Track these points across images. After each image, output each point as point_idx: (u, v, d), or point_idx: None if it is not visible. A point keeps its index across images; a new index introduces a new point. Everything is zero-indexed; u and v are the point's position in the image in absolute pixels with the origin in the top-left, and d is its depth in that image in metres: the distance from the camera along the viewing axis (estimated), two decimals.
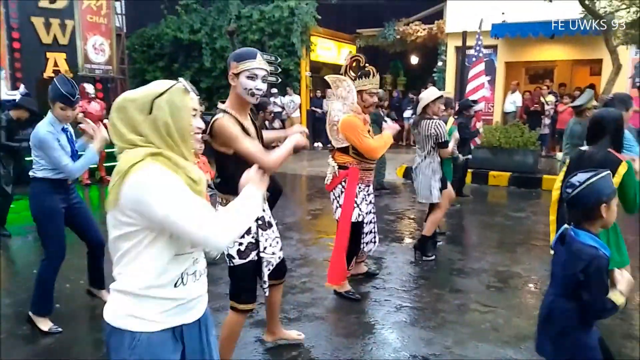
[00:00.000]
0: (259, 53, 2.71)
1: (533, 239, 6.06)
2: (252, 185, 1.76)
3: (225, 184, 2.73)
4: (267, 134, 3.12)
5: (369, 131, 4.01)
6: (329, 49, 16.11)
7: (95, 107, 9.54)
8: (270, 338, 3.41)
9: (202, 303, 1.75)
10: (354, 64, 4.11)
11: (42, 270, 3.63)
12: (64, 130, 3.60)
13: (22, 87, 10.88)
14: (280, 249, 3.03)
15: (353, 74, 4.03)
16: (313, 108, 14.97)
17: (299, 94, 14.59)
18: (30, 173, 3.59)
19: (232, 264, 2.82)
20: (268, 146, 2.91)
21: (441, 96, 5.11)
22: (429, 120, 4.96)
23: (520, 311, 4.02)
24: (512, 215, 7.33)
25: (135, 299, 1.59)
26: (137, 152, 1.56)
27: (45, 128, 3.47)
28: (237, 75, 2.65)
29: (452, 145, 5.26)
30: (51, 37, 12.46)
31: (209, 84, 14.96)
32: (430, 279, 4.77)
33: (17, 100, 6.84)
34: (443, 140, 4.95)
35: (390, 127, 4.15)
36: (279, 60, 13.98)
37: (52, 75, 12.47)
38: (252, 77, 2.63)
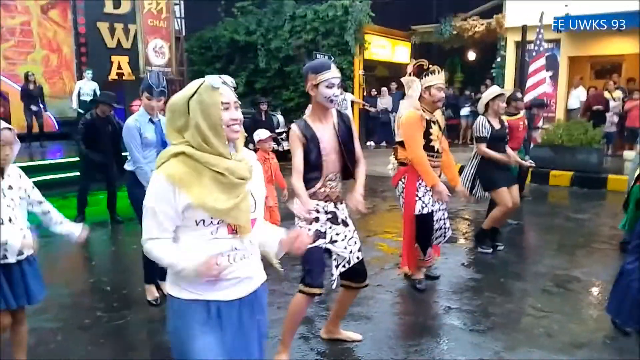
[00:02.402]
0: (332, 64, 2.95)
1: (595, 241, 5.75)
2: (188, 263, 1.75)
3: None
4: (356, 179, 3.19)
5: (430, 128, 4.08)
6: (383, 47, 15.94)
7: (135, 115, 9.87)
8: (326, 335, 3.48)
9: (243, 286, 1.85)
10: (417, 70, 4.31)
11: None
12: (152, 121, 3.83)
13: (87, 74, 11.33)
14: (359, 250, 3.16)
15: (417, 78, 4.20)
16: (366, 107, 14.86)
17: (352, 93, 14.54)
18: (125, 166, 3.99)
19: None
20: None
21: (502, 94, 5.06)
22: (479, 117, 5.06)
23: (577, 317, 3.81)
24: (574, 216, 6.99)
25: (176, 271, 1.80)
26: (166, 152, 1.78)
27: (132, 118, 3.85)
28: (316, 85, 2.87)
29: (494, 156, 5.08)
30: (115, 41, 13.02)
31: (264, 84, 15.16)
32: (483, 281, 4.61)
33: (97, 97, 7.21)
34: (480, 135, 5.01)
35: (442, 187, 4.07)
36: (333, 59, 14.02)
37: (116, 77, 13.06)
38: (330, 86, 2.86)
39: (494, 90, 5.15)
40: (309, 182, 2.98)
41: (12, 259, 2.69)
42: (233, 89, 1.82)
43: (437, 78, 4.11)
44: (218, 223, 1.77)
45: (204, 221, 1.76)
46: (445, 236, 4.45)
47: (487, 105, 5.04)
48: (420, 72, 4.22)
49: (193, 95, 1.74)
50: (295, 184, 2.92)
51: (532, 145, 8.31)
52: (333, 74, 2.88)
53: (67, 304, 4.15)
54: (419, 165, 4.03)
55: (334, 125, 3.02)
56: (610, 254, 5.30)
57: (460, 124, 15.13)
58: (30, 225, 2.84)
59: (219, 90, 1.74)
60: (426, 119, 4.07)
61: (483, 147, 5.02)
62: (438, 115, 4.26)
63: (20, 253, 2.72)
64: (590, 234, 6.08)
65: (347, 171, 3.10)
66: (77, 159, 6.99)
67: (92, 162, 6.41)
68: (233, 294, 1.82)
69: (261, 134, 5.16)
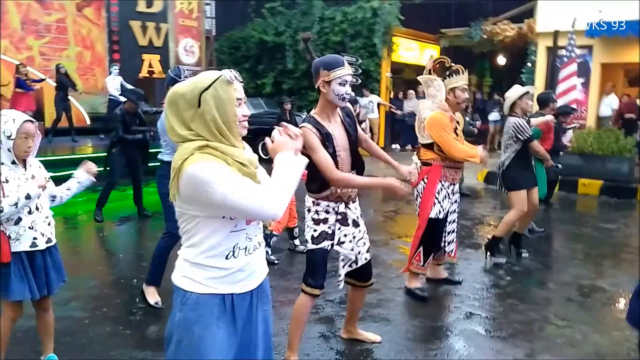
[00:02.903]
0: (345, 60, 2.87)
1: (623, 252, 5.64)
2: (283, 151, 1.80)
3: (312, 183, 2.96)
4: (381, 155, 3.32)
5: (455, 129, 4.05)
6: (412, 50, 15.88)
7: None
8: (346, 335, 3.49)
9: (256, 277, 1.85)
10: (438, 66, 4.17)
11: (160, 243, 3.96)
12: None
13: (114, 70, 11.55)
14: (368, 251, 3.15)
15: (437, 76, 4.08)
16: (392, 109, 14.81)
17: (379, 95, 14.51)
18: (159, 156, 4.06)
19: (307, 248, 3.06)
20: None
21: (527, 92, 4.92)
22: (511, 118, 4.87)
23: (601, 328, 3.76)
24: (602, 226, 6.85)
25: (190, 265, 1.78)
26: (186, 148, 1.69)
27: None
28: (328, 82, 2.79)
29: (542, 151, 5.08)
30: (147, 39, 13.25)
31: (291, 85, 15.25)
32: (506, 288, 4.57)
33: (125, 92, 7.35)
34: (526, 136, 4.81)
35: (482, 152, 4.11)
36: (360, 61, 14.01)
37: (147, 75, 13.30)
38: (343, 84, 2.79)
39: (519, 89, 4.97)
40: (325, 187, 2.91)
41: (41, 246, 2.77)
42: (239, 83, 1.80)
43: (462, 79, 4.01)
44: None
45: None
46: (454, 243, 4.35)
47: (512, 105, 4.88)
48: (442, 71, 4.09)
49: (207, 88, 1.70)
50: (345, 177, 2.83)
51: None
52: (347, 70, 2.80)
53: (95, 294, 4.26)
54: (463, 156, 3.97)
55: (342, 122, 2.96)
56: (638, 265, 5.19)
57: (489, 129, 14.95)
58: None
59: (234, 85, 1.74)
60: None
61: (538, 145, 4.99)
62: (458, 116, 4.20)
63: (49, 240, 2.81)
64: (618, 245, 5.96)
65: (356, 170, 3.02)
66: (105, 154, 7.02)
67: (119, 157, 6.52)
68: (247, 286, 1.82)
69: (275, 133, 5.11)
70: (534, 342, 3.51)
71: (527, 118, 4.99)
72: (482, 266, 5.07)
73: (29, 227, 2.74)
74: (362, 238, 3.10)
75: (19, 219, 2.70)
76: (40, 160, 2.92)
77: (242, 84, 1.81)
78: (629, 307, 2.32)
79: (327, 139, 2.83)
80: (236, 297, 1.79)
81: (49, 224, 2.83)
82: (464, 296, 4.31)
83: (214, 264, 1.75)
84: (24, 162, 2.76)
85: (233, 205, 1.65)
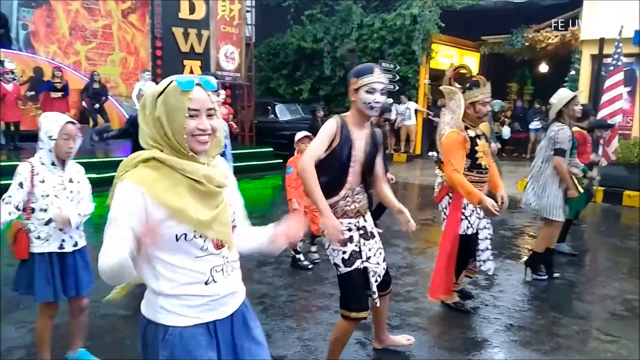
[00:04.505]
0: (377, 67, 2.79)
1: None
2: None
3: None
4: (385, 198, 3.07)
5: (473, 145, 3.75)
6: (451, 57, 15.72)
7: (223, 111, 10.20)
8: (379, 345, 3.44)
9: (235, 299, 1.74)
10: (457, 75, 3.96)
11: None
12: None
13: (145, 75, 11.75)
14: (384, 260, 3.05)
15: (458, 85, 3.88)
16: (430, 116, 14.68)
17: (416, 102, 14.41)
18: None
19: (339, 272, 2.88)
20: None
21: (575, 97, 4.66)
22: (555, 124, 4.61)
23: None
24: None
25: (166, 297, 1.61)
26: (133, 159, 1.58)
27: None
28: (356, 90, 2.75)
29: (568, 178, 4.64)
30: (189, 45, 13.52)
31: (328, 91, 15.31)
32: (547, 300, 4.46)
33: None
34: (559, 147, 4.53)
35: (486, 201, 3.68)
36: (398, 68, 13.99)
37: None
38: (371, 92, 2.71)
39: (566, 93, 4.71)
40: (333, 190, 2.79)
41: (68, 249, 2.83)
42: (210, 92, 1.59)
43: (482, 92, 3.71)
44: (201, 237, 1.59)
45: (185, 236, 1.56)
46: (492, 261, 4.03)
47: (560, 112, 4.61)
48: (461, 80, 3.86)
49: (160, 94, 1.56)
50: (308, 176, 2.65)
51: (605, 163, 7.95)
52: (375, 78, 2.71)
53: (138, 294, 4.34)
54: (459, 187, 3.67)
55: (367, 136, 2.85)
56: None
57: (529, 137, 14.67)
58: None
59: (189, 94, 1.54)
60: (471, 137, 3.75)
61: (562, 161, 4.54)
62: (483, 126, 3.97)
63: (75, 244, 2.86)
64: None
65: (364, 186, 2.93)
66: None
67: None
68: (227, 310, 1.70)
69: (299, 133, 4.97)
70: (577, 356, 3.42)
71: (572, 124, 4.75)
72: (522, 278, 4.96)
73: (59, 229, 2.79)
74: (379, 248, 3.01)
75: (50, 220, 2.76)
76: (79, 163, 2.96)
77: (207, 91, 1.59)
78: None
79: (345, 142, 2.75)
80: (218, 323, 1.68)
81: (78, 228, 2.87)
82: (503, 308, 4.22)
83: (194, 292, 1.61)
84: (62, 164, 2.81)
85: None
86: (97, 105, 11.41)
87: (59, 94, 10.54)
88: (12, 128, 10.18)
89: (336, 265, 2.87)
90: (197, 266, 1.61)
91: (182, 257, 1.59)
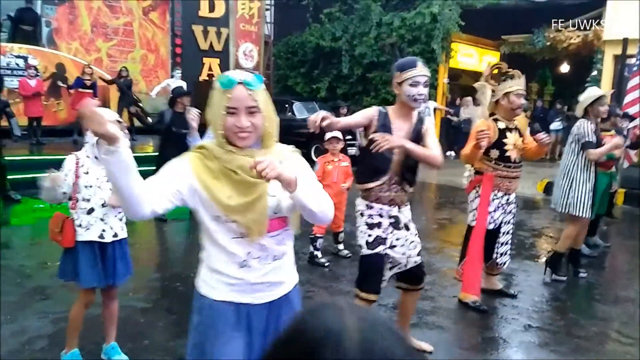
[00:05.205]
0: (419, 61, 2.89)
1: None
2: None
3: (361, 174, 3.00)
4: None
5: (503, 138, 3.85)
6: (471, 56, 15.61)
7: None
8: None
9: (277, 289, 1.79)
10: (495, 72, 4.02)
11: None
12: None
13: (177, 74, 11.86)
14: (419, 254, 3.10)
15: (494, 82, 3.94)
16: (449, 114, 14.59)
17: (435, 101, 14.33)
18: None
19: (361, 253, 3.02)
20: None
21: (602, 96, 4.62)
22: (581, 120, 4.59)
23: None
24: None
25: (206, 269, 1.80)
26: (195, 146, 1.80)
27: None
28: (400, 84, 2.84)
29: (605, 149, 4.59)
30: (208, 43, 13.64)
31: (346, 90, 15.29)
32: (567, 302, 4.42)
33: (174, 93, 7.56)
34: (585, 141, 4.48)
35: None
36: None
37: (207, 79, 13.67)
38: (415, 85, 2.80)
39: (594, 92, 4.67)
40: (373, 175, 2.91)
41: (108, 239, 2.90)
42: (255, 90, 1.65)
43: (517, 83, 3.86)
44: (234, 222, 1.69)
45: (219, 217, 1.70)
46: (508, 255, 4.18)
47: (586, 110, 4.59)
48: (499, 76, 3.96)
49: (214, 90, 1.72)
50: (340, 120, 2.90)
51: (627, 164, 7.84)
52: (419, 72, 2.81)
53: (157, 287, 4.42)
54: (468, 157, 3.79)
55: (411, 127, 2.93)
56: None
57: (550, 138, 14.48)
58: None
59: (228, 93, 1.64)
60: (500, 128, 3.86)
61: (594, 152, 4.48)
62: (519, 120, 4.02)
63: (115, 235, 2.93)
64: None
65: (410, 179, 2.98)
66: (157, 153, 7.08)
67: (168, 157, 6.60)
68: (263, 298, 1.76)
69: (328, 133, 5.00)
70: (596, 357, 3.38)
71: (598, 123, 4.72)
72: (541, 279, 4.91)
73: (100, 219, 2.87)
74: (413, 241, 3.06)
75: (92, 209, 2.85)
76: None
77: (250, 90, 1.65)
78: None
79: (383, 129, 2.82)
80: (252, 308, 1.75)
81: (121, 219, 2.95)
82: (522, 308, 4.19)
83: (228, 271, 1.73)
84: None
85: None
86: (133, 110, 11.47)
87: (89, 91, 10.68)
88: (35, 123, 10.35)
89: (360, 246, 3.02)
90: (233, 247, 1.72)
91: (222, 236, 1.72)
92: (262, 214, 1.70)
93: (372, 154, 2.74)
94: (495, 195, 3.97)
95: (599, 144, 4.62)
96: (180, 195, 1.66)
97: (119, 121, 2.81)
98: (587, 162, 4.58)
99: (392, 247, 2.97)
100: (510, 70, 3.96)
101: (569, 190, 4.63)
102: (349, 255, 5.27)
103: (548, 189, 9.33)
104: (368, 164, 2.90)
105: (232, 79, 1.64)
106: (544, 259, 5.59)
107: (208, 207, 1.69)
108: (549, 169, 12.00)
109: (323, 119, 2.61)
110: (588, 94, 4.67)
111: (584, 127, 4.51)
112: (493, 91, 3.92)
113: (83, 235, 2.86)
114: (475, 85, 4.08)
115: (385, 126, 2.85)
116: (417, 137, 2.94)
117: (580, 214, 4.61)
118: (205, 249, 1.79)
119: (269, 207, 1.72)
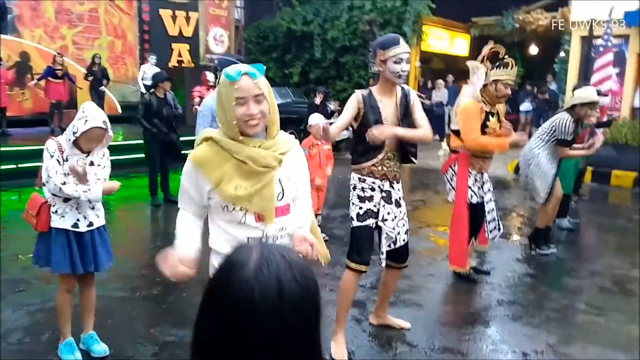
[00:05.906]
0: (401, 38, 2.94)
1: None
2: None
3: (355, 153, 3.08)
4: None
5: (486, 120, 3.96)
6: (441, 39, 15.71)
7: (212, 94, 10.11)
8: (375, 321, 3.51)
9: None
10: (492, 56, 4.09)
11: None
12: None
13: (151, 59, 11.63)
14: (407, 233, 3.18)
15: (490, 64, 4.01)
16: (421, 98, 14.62)
17: (407, 84, 14.39)
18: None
19: (352, 225, 3.10)
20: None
21: (597, 102, 4.80)
22: (564, 114, 4.76)
23: (636, 317, 3.71)
24: (636, 218, 6.72)
25: (215, 253, 1.90)
26: (200, 136, 1.88)
27: (211, 97, 4.06)
28: (384, 61, 2.88)
29: (577, 153, 5.03)
30: (177, 29, 13.37)
31: (319, 74, 15.21)
32: (537, 277, 4.55)
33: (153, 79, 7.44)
34: (563, 138, 4.71)
35: (520, 136, 4.16)
36: None
37: (176, 65, 13.46)
38: (398, 62, 2.86)
39: (590, 95, 4.76)
40: (367, 154, 2.99)
41: (82, 228, 2.87)
42: (258, 79, 1.75)
43: (508, 73, 3.93)
44: (241, 210, 1.80)
45: (227, 207, 1.81)
46: (499, 229, 4.31)
47: (574, 105, 4.72)
48: (494, 59, 4.03)
49: (220, 84, 1.81)
50: (334, 130, 2.91)
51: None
52: (402, 49, 2.87)
53: (134, 275, 4.39)
54: (485, 147, 3.93)
55: (396, 102, 3.01)
56: None
57: (519, 119, 14.74)
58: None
59: (235, 84, 1.73)
60: (485, 111, 3.97)
61: (568, 151, 4.80)
62: (499, 107, 4.14)
63: (90, 224, 2.90)
64: None
65: (404, 154, 3.07)
66: (141, 141, 7.17)
67: (155, 144, 6.62)
68: None
69: (312, 119, 5.11)
70: (567, 329, 3.51)
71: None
72: (513, 255, 5.05)
73: (75, 208, 2.84)
74: (402, 219, 3.14)
75: (68, 199, 2.81)
76: None
77: (254, 80, 1.75)
78: None
79: (371, 110, 2.93)
80: None
81: (93, 208, 2.91)
82: (495, 284, 4.30)
83: None
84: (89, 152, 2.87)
85: None
86: (103, 88, 11.27)
87: (60, 81, 10.41)
88: None
89: (351, 218, 3.10)
90: (238, 233, 1.83)
91: (228, 223, 1.84)
92: (270, 201, 1.82)
93: (364, 134, 2.85)
94: (470, 172, 4.08)
95: (574, 140, 4.83)
96: (202, 201, 1.86)
97: (103, 128, 2.79)
98: (555, 152, 4.81)
99: (383, 220, 3.04)
100: (506, 57, 4.03)
101: (534, 177, 4.86)
102: (326, 239, 5.29)
103: (518, 169, 9.52)
104: (365, 144, 2.94)
105: (238, 71, 1.74)
106: (516, 237, 5.75)
107: (217, 199, 1.82)
108: (519, 150, 12.20)
109: (324, 131, 2.85)
110: (586, 95, 4.78)
111: (566, 125, 4.67)
112: (486, 73, 3.99)
113: (57, 222, 2.83)
114: (468, 63, 4.13)
115: (373, 107, 2.94)
116: (406, 112, 3.02)
117: (541, 200, 4.88)
118: (212, 236, 1.89)
119: (274, 195, 1.84)
